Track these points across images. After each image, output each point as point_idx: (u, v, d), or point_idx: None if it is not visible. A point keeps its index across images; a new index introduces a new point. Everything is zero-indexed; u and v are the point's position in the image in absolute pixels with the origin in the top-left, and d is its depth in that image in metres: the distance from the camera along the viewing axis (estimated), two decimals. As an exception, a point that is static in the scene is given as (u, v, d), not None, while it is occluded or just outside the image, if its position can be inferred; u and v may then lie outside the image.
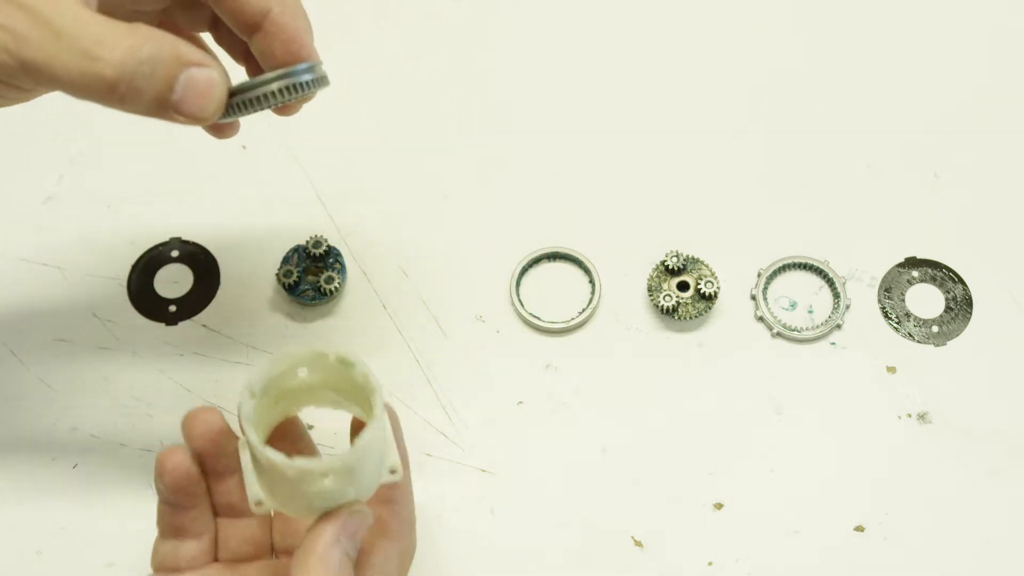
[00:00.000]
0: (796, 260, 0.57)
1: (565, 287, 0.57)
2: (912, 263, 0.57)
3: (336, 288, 0.55)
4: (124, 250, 0.58)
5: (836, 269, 0.57)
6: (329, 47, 0.64)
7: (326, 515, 0.39)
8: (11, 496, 0.52)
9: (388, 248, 0.58)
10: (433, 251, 0.58)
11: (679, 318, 0.55)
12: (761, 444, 0.53)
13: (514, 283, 0.57)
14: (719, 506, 0.51)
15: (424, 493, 0.52)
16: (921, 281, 0.57)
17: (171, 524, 0.42)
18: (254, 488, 0.40)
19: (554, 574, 0.50)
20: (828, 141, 0.61)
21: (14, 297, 0.57)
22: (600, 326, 0.56)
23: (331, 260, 0.56)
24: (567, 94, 0.62)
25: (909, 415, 0.53)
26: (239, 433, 0.41)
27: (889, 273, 0.57)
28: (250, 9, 0.41)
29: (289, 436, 0.44)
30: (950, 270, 0.57)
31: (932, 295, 0.56)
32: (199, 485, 0.42)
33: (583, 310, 0.56)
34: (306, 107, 0.62)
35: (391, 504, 0.43)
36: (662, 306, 0.54)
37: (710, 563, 0.50)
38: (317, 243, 0.55)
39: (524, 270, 0.57)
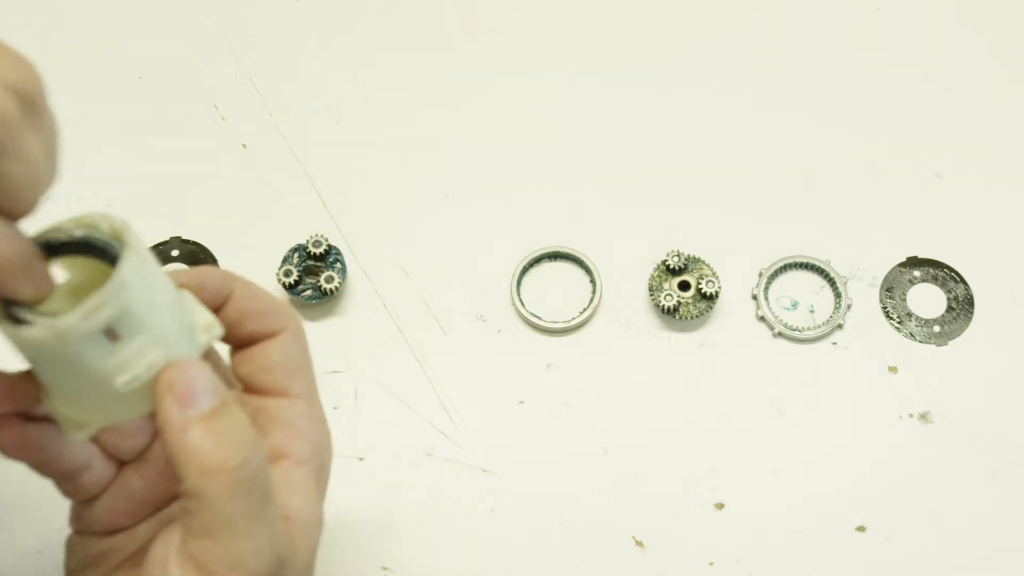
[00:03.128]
0: (797, 260, 0.57)
1: (566, 287, 0.57)
2: (914, 263, 0.57)
3: (336, 287, 0.55)
4: (124, 249, 0.58)
5: (837, 269, 0.56)
6: (332, 46, 0.65)
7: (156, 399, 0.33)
8: (12, 495, 0.52)
9: (388, 248, 0.58)
10: (433, 251, 0.58)
11: (680, 318, 0.55)
12: (762, 444, 0.53)
13: (515, 283, 0.57)
14: (720, 506, 0.51)
15: (425, 492, 0.52)
16: (923, 281, 0.57)
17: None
18: (61, 411, 0.33)
19: (554, 574, 0.50)
20: (830, 141, 0.60)
21: (14, 296, 0.57)
22: (601, 326, 0.56)
23: (331, 259, 0.56)
24: (567, 93, 0.62)
25: (911, 415, 0.53)
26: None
27: (891, 273, 0.57)
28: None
29: None
30: (952, 270, 0.57)
31: (934, 295, 0.56)
32: (38, 450, 0.37)
33: (584, 310, 0.56)
34: (307, 107, 0.63)
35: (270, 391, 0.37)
36: (663, 306, 0.54)
37: (711, 563, 0.50)
38: (317, 242, 0.55)
39: (524, 270, 0.57)
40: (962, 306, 0.56)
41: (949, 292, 0.56)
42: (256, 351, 0.38)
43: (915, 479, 0.52)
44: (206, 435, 0.32)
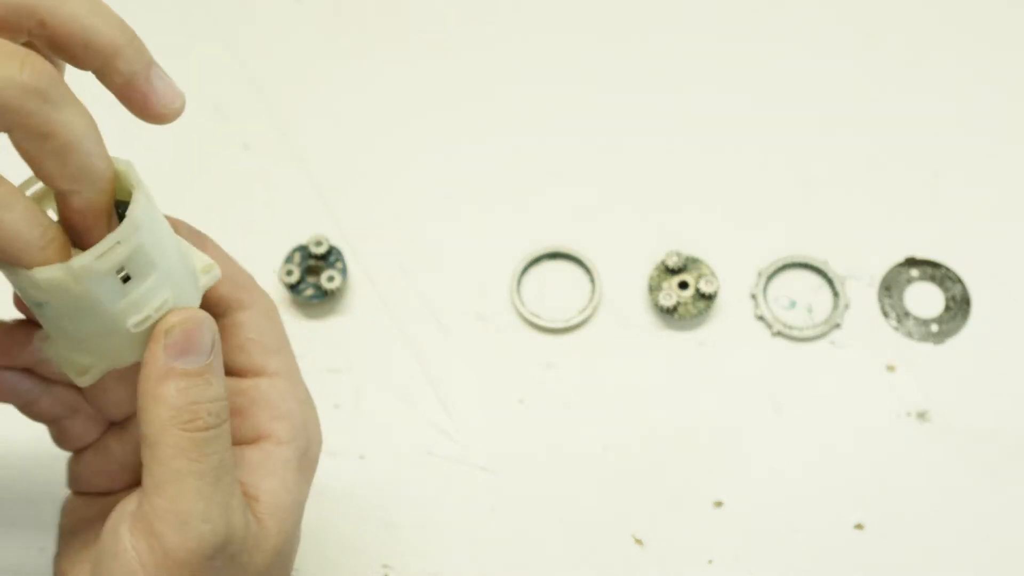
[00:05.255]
0: (795, 260, 0.57)
1: (565, 286, 0.57)
2: (911, 262, 0.57)
3: (337, 287, 0.55)
4: (126, 249, 0.58)
5: (835, 268, 0.57)
6: (333, 47, 0.65)
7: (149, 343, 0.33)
8: (15, 493, 0.52)
9: (389, 247, 0.58)
10: (433, 250, 0.58)
11: (679, 317, 0.55)
12: (761, 442, 0.53)
13: (515, 283, 0.57)
14: (719, 504, 0.52)
15: (425, 491, 0.52)
16: (920, 280, 0.57)
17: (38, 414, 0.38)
18: (65, 355, 0.34)
19: (554, 572, 0.50)
20: (827, 141, 0.61)
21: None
22: (600, 325, 0.56)
23: (332, 259, 0.56)
24: (568, 93, 0.63)
25: (909, 414, 0.53)
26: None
27: (889, 272, 0.57)
28: None
29: None
30: (949, 269, 0.57)
31: (931, 294, 0.56)
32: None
33: (583, 309, 0.56)
34: (309, 107, 0.63)
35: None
36: (662, 305, 0.54)
37: (710, 561, 0.50)
38: (318, 242, 0.56)
39: (524, 270, 0.57)
40: (959, 305, 0.56)
41: (947, 291, 0.56)
42: (228, 329, 0.37)
43: (913, 477, 0.52)
44: (180, 391, 0.33)
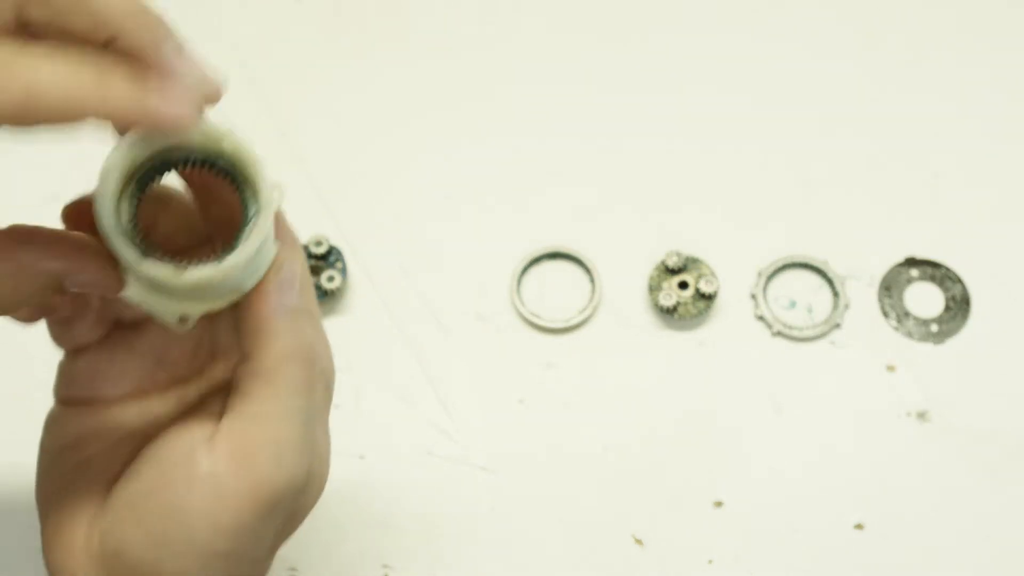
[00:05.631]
0: (795, 260, 0.57)
1: (565, 286, 0.57)
2: (911, 262, 0.57)
3: (337, 287, 0.55)
4: (126, 250, 0.58)
5: (835, 268, 0.57)
6: (333, 47, 0.65)
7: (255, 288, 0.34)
8: (15, 494, 0.52)
9: (389, 247, 0.58)
10: (433, 250, 0.58)
11: (679, 317, 0.55)
12: (761, 442, 0.53)
13: (515, 283, 0.57)
14: (719, 504, 0.52)
15: (425, 491, 0.52)
16: (920, 280, 0.57)
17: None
18: (168, 308, 0.34)
19: (554, 572, 0.51)
20: (827, 141, 0.61)
21: (16, 296, 0.57)
22: (600, 325, 0.56)
23: (332, 259, 0.56)
24: (568, 93, 0.63)
25: (909, 413, 0.53)
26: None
27: (889, 272, 0.57)
28: None
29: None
30: (949, 269, 0.57)
31: (931, 294, 0.56)
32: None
33: (583, 309, 0.56)
34: (309, 107, 0.63)
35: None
36: (662, 305, 0.54)
37: (710, 561, 0.50)
38: (318, 242, 0.56)
39: (524, 270, 0.57)
40: (959, 305, 0.56)
41: (947, 291, 0.56)
42: None
43: (913, 477, 0.52)
44: (292, 328, 0.34)
